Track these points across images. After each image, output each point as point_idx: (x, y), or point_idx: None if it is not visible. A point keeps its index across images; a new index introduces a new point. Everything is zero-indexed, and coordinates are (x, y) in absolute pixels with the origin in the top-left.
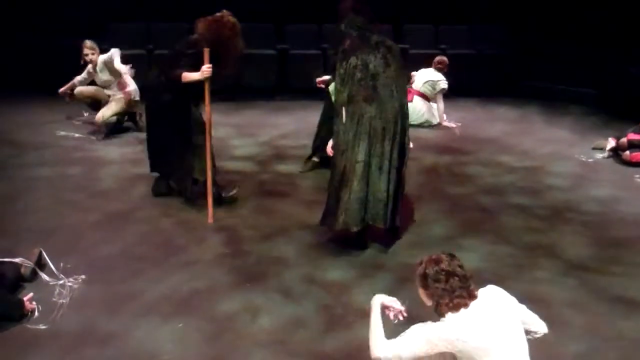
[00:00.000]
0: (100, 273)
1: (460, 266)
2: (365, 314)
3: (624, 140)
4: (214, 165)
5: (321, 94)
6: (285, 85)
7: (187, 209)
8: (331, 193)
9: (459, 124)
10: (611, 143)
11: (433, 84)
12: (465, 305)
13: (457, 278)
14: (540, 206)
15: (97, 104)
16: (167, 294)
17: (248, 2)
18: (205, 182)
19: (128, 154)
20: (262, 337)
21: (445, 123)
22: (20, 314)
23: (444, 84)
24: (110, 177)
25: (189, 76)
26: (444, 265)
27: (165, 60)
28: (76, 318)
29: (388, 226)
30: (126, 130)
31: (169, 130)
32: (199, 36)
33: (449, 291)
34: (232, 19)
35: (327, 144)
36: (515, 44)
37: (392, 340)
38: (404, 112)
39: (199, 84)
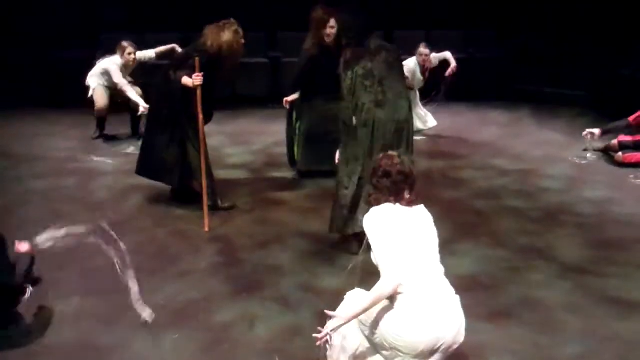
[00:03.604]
0: (95, 284)
1: (401, 171)
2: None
3: (614, 142)
4: (211, 174)
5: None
6: (278, 93)
7: (181, 219)
8: (346, 198)
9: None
10: (595, 132)
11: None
12: (388, 201)
13: (389, 179)
14: (535, 209)
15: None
16: (162, 304)
17: (240, 10)
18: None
19: (122, 165)
20: (259, 346)
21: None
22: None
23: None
24: (104, 188)
25: (186, 81)
26: (384, 163)
27: (171, 63)
28: (71, 331)
29: None
30: (119, 139)
31: (168, 136)
32: (205, 41)
33: (379, 188)
34: (236, 26)
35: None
36: (507, 48)
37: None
38: (411, 112)
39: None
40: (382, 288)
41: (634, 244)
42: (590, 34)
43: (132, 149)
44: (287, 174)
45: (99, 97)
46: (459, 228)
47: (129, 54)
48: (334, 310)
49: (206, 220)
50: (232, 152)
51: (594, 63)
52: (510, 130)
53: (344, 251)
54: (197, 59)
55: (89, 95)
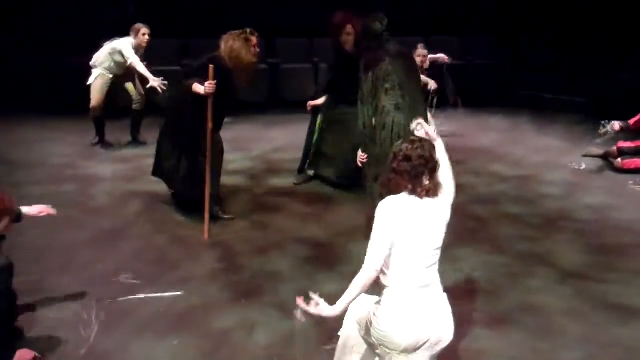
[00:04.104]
0: (94, 290)
1: (421, 155)
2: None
3: (614, 148)
4: (217, 184)
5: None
6: (277, 99)
7: (181, 225)
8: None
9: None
10: (615, 127)
11: None
12: (406, 188)
13: (409, 163)
14: (534, 215)
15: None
16: (162, 311)
17: (239, 16)
18: (203, 197)
19: (121, 171)
20: (259, 353)
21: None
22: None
23: None
24: (103, 194)
25: (197, 88)
26: (404, 147)
27: (187, 71)
28: (70, 337)
29: None
30: (119, 145)
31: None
32: (220, 50)
33: (399, 172)
34: (248, 35)
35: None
36: (506, 54)
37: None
38: (427, 117)
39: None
40: (359, 276)
41: (634, 249)
42: (590, 40)
43: (131, 154)
44: (287, 180)
45: (96, 92)
46: (459, 234)
47: (144, 34)
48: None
49: (206, 227)
50: (232, 158)
51: (594, 69)
52: (509, 136)
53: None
54: (211, 66)
55: (89, 82)
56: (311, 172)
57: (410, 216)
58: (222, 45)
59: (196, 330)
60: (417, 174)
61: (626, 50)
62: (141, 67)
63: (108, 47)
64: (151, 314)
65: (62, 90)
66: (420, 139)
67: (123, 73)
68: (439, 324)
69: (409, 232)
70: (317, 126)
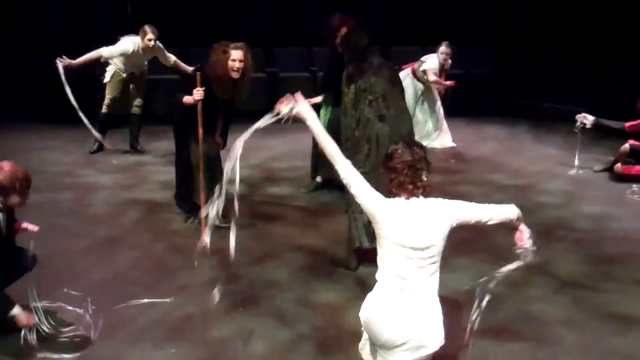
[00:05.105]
0: (92, 298)
1: (416, 152)
2: (359, 335)
3: (625, 146)
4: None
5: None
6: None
7: (179, 233)
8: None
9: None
10: (589, 118)
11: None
12: (407, 190)
13: (407, 161)
14: (532, 224)
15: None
16: (159, 319)
17: (237, 25)
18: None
19: (119, 179)
20: None
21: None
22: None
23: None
24: (101, 203)
25: (187, 99)
26: (398, 147)
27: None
28: (67, 345)
29: None
30: (117, 154)
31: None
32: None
33: (398, 171)
34: (230, 48)
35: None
36: (503, 63)
37: (352, 171)
38: (412, 127)
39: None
40: (334, 149)
41: (632, 259)
42: (588, 49)
43: (130, 163)
44: (285, 188)
45: (112, 90)
46: (456, 243)
47: (149, 40)
48: (331, 323)
49: (203, 235)
50: (229, 167)
51: (591, 78)
52: (507, 145)
53: (341, 266)
54: (198, 74)
55: (105, 80)
56: (319, 179)
57: (403, 218)
58: (210, 55)
59: (193, 338)
60: (416, 170)
61: (623, 59)
62: (88, 55)
63: (119, 47)
64: (148, 322)
65: (62, 98)
66: (410, 139)
67: (141, 71)
68: (421, 328)
69: (400, 233)
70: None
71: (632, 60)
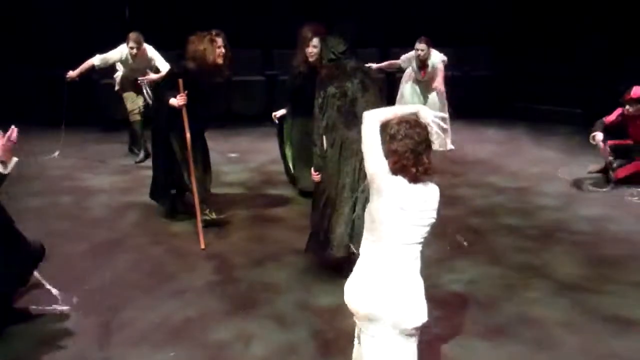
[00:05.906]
0: (91, 302)
1: (419, 133)
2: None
3: (606, 148)
4: (206, 190)
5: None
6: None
7: (177, 236)
8: (316, 218)
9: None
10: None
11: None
12: (410, 172)
13: (410, 141)
14: (531, 226)
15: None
16: (158, 322)
17: (236, 27)
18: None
19: (117, 183)
20: None
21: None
22: None
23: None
24: (100, 206)
25: (172, 102)
26: (402, 127)
27: (163, 84)
28: (67, 348)
29: None
30: (116, 157)
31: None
32: (187, 54)
33: (400, 153)
34: (214, 36)
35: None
36: (502, 65)
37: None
38: None
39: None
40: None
41: (630, 261)
42: (586, 51)
43: (128, 166)
44: (284, 191)
45: (130, 103)
46: (456, 245)
47: (131, 47)
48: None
49: (202, 238)
50: (229, 170)
51: (590, 80)
52: (506, 147)
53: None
54: (180, 80)
55: (116, 88)
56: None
57: (404, 200)
58: (188, 46)
59: (193, 341)
60: (419, 152)
61: (622, 61)
62: (82, 66)
63: (113, 56)
64: (148, 326)
65: (62, 102)
66: (413, 120)
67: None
68: (399, 305)
69: (395, 211)
70: (287, 143)
71: (631, 61)
